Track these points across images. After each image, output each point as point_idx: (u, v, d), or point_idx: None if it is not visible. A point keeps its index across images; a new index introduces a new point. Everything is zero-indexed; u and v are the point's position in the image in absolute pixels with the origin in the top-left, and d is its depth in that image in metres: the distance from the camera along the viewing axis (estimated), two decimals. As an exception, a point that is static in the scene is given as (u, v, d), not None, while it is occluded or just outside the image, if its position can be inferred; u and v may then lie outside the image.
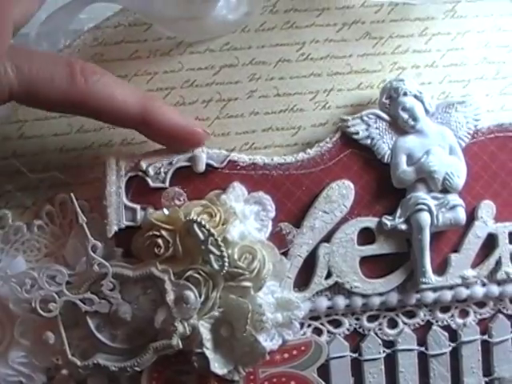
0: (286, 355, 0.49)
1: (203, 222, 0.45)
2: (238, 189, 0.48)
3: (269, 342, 0.48)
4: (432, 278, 0.49)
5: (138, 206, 0.48)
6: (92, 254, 0.47)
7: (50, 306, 0.47)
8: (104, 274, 0.47)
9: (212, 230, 0.45)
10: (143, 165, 0.48)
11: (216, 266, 0.46)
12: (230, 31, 0.50)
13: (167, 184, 0.48)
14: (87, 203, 0.49)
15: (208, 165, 0.48)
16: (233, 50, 0.51)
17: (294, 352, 0.49)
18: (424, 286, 0.49)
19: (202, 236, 0.46)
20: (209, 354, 0.46)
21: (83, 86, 0.44)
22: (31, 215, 0.50)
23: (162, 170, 0.48)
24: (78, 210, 0.47)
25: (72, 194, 0.47)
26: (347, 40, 0.51)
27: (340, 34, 0.51)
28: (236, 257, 0.47)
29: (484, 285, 0.52)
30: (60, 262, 0.50)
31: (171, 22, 0.49)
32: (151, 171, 0.48)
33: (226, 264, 0.46)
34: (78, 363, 0.47)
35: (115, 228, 0.48)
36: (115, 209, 0.48)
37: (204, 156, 0.48)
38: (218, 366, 0.47)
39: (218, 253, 0.46)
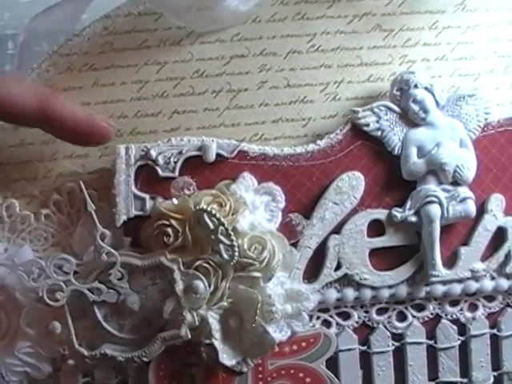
0: (294, 347, 0.49)
1: (213, 212, 0.45)
2: (248, 179, 0.48)
3: (278, 334, 0.47)
4: (442, 271, 0.49)
5: (147, 196, 0.48)
6: (100, 242, 0.47)
7: (57, 296, 0.46)
8: (112, 263, 0.46)
9: (222, 220, 0.45)
10: (153, 154, 0.47)
11: (226, 256, 0.46)
12: (241, 22, 0.49)
13: (177, 173, 0.48)
14: (96, 192, 0.49)
15: (218, 155, 0.48)
16: (243, 41, 0.50)
17: (303, 344, 0.49)
18: (434, 279, 0.49)
19: (211, 225, 0.45)
20: (218, 344, 0.46)
21: None
22: (38, 204, 0.50)
23: (171, 159, 0.48)
24: (88, 197, 0.47)
25: (81, 182, 0.47)
26: (358, 32, 0.51)
27: (351, 26, 0.51)
28: (246, 247, 0.46)
29: (493, 278, 0.51)
30: (67, 251, 0.49)
31: (182, 12, 0.49)
32: (161, 160, 0.48)
33: (236, 254, 0.45)
34: (85, 353, 0.47)
35: (124, 217, 0.47)
36: (124, 198, 0.47)
37: (214, 146, 0.48)
38: (226, 357, 0.46)
39: (228, 242, 0.45)
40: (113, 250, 0.46)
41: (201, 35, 0.50)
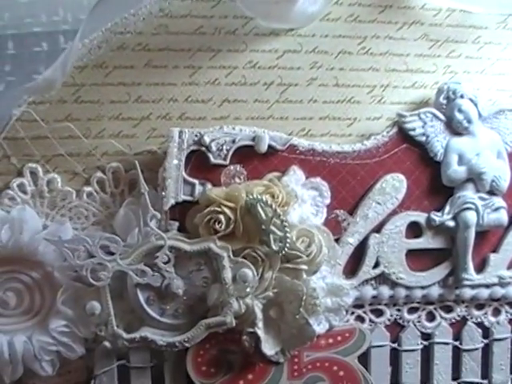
0: (330, 340, 0.49)
1: (269, 202, 0.46)
2: (297, 173, 0.49)
3: (316, 326, 0.48)
4: (473, 275, 0.51)
5: (196, 181, 0.47)
6: (150, 224, 0.46)
7: (100, 275, 0.46)
8: (160, 246, 0.46)
9: (278, 211, 0.46)
10: (206, 140, 0.47)
11: (275, 247, 0.46)
12: (310, 23, 0.50)
13: (228, 161, 0.48)
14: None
15: (269, 146, 0.48)
16: (297, 36, 0.51)
17: (339, 338, 0.50)
18: (466, 283, 0.51)
19: (264, 216, 0.46)
20: (261, 333, 0.46)
21: None
22: (81, 182, 0.49)
23: (224, 146, 0.48)
24: (142, 179, 0.46)
25: (136, 163, 0.46)
26: (406, 39, 0.53)
27: (400, 33, 0.53)
28: (294, 239, 0.47)
29: (517, 285, 0.54)
30: (108, 231, 0.48)
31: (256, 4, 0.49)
32: (214, 147, 0.48)
33: (287, 246, 0.46)
34: (124, 336, 0.46)
35: (172, 201, 0.47)
36: (174, 182, 0.47)
37: (267, 137, 0.48)
38: (267, 347, 0.47)
39: (280, 234, 0.46)
40: (162, 233, 0.46)
41: (255, 26, 0.51)
